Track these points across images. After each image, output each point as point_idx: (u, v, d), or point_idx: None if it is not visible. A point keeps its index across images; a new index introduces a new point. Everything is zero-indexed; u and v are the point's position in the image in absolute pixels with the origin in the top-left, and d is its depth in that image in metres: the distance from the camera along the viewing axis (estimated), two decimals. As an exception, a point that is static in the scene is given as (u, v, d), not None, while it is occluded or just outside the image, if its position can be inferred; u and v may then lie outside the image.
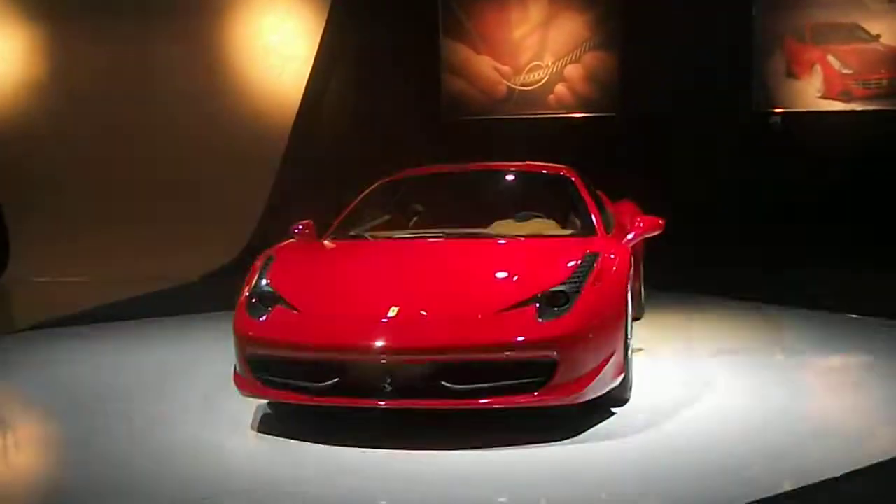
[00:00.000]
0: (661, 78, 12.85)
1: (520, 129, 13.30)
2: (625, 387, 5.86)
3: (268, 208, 12.92)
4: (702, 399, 6.15)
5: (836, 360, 7.39)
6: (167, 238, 12.54)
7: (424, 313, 5.41)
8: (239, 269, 11.72)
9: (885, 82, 12.94)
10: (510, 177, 7.66)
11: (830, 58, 13.07)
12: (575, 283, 5.49)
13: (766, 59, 13.20)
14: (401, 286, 5.69)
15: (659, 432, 5.48)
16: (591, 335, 5.34)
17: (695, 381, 6.58)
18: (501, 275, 5.78)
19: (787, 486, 4.61)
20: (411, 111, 13.18)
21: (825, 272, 10.69)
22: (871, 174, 12.36)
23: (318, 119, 13.38)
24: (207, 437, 5.65)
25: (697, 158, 12.87)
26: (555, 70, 13.62)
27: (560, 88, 13.65)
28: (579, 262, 5.66)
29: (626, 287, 5.79)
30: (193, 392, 6.56)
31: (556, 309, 5.36)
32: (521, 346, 5.20)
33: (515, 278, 5.66)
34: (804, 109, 13.14)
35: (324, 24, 13.28)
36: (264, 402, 5.99)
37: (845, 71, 13.05)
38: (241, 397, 5.83)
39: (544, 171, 7.49)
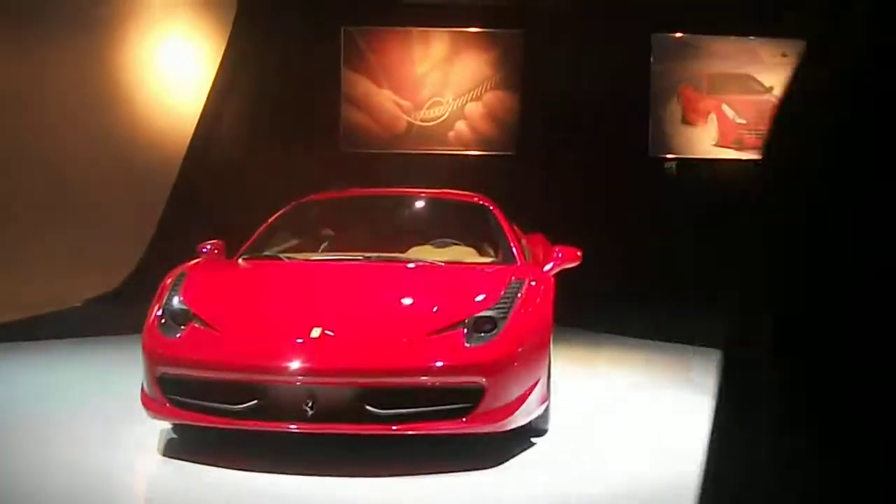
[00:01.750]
0: (559, 119, 12.91)
1: (419, 164, 13.18)
2: (545, 417, 5.75)
3: (158, 234, 12.51)
4: (617, 431, 6.10)
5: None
6: (48, 262, 12.00)
7: (347, 335, 5.22)
8: (125, 294, 11.57)
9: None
10: (426, 203, 7.54)
11: (725, 107, 13.33)
12: (502, 308, 5.38)
13: (662, 105, 13.39)
14: (323, 307, 5.50)
15: (581, 462, 5.42)
16: (518, 362, 5.23)
17: (608, 413, 6.54)
18: (426, 298, 5.63)
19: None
20: (310, 141, 12.95)
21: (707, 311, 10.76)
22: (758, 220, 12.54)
23: (213, 145, 13.06)
24: (113, 461, 5.35)
25: (593, 200, 12.93)
26: (455, 107, 13.57)
27: (460, 126, 13.60)
28: (505, 288, 5.56)
29: (551, 315, 5.70)
30: (92, 416, 6.22)
31: (483, 334, 5.24)
32: (448, 371, 5.06)
33: (441, 302, 5.51)
34: (699, 157, 13.33)
35: (224, 47, 13.00)
36: (168, 426, 5.70)
37: (739, 120, 13.31)
38: (144, 421, 5.56)
39: (461, 199, 7.38)
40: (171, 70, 12.94)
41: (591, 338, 9.39)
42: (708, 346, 9.04)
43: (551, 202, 12.64)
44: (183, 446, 5.53)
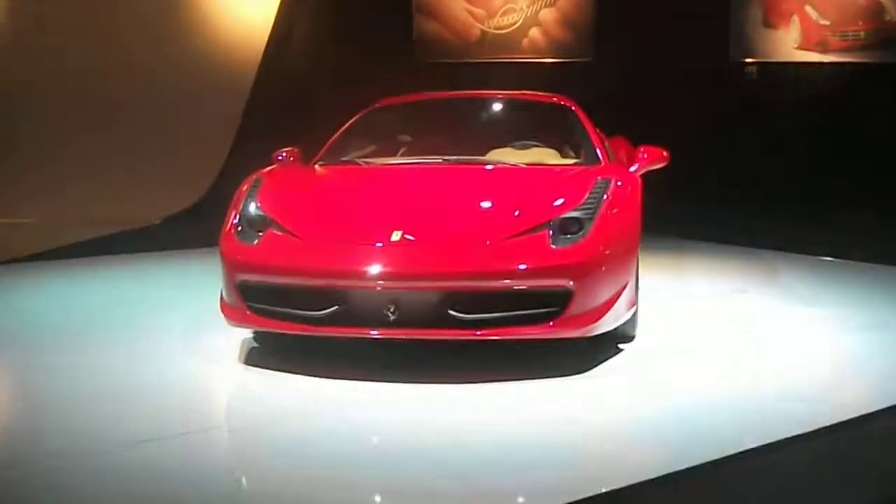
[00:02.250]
0: (636, 24, 12.52)
1: (493, 72, 12.93)
2: (633, 322, 5.56)
3: (233, 149, 12.44)
4: (706, 338, 5.92)
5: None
6: (126, 179, 12.02)
7: (429, 238, 5.06)
8: (203, 209, 11.55)
9: (862, 34, 12.66)
10: (505, 105, 7.27)
11: (808, 8, 12.78)
12: (589, 209, 5.16)
13: (743, 7, 12.89)
14: (403, 211, 5.32)
15: (669, 370, 5.25)
16: (606, 264, 5.03)
17: (695, 320, 6.36)
18: (509, 200, 5.39)
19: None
20: (382, 52, 12.74)
21: (803, 216, 10.51)
22: (845, 125, 12.14)
23: (284, 60, 12.90)
24: (192, 370, 5.31)
25: (673, 107, 12.57)
26: (529, 13, 13.21)
27: (534, 32, 13.25)
28: (591, 188, 5.33)
29: (640, 216, 5.48)
30: (172, 326, 6.17)
31: (569, 236, 5.04)
32: (534, 273, 4.87)
33: (525, 204, 5.28)
34: (781, 60, 12.86)
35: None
36: (249, 335, 5.63)
37: (823, 22, 12.76)
38: (225, 331, 5.49)
39: (542, 100, 7.13)
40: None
41: (673, 242, 9.15)
42: (792, 252, 8.81)
43: (629, 109, 12.29)
44: (263, 354, 5.45)
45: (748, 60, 12.90)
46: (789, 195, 11.37)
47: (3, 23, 12.56)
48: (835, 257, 8.66)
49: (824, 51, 12.60)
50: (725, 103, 12.69)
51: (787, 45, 12.75)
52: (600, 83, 12.36)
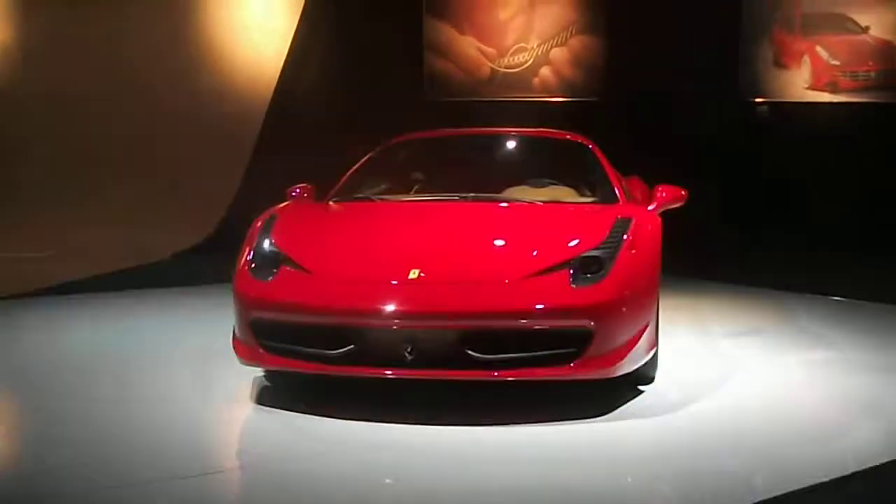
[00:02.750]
0: (646, 63, 12.48)
1: (503, 111, 12.88)
2: (653, 363, 5.45)
3: (243, 186, 12.40)
4: (725, 380, 5.82)
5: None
6: (136, 215, 11.99)
7: (447, 276, 4.97)
8: (212, 247, 11.50)
9: (872, 75, 12.64)
10: (521, 143, 7.20)
11: (819, 49, 12.76)
12: (609, 248, 5.07)
13: (753, 47, 12.87)
14: (421, 248, 5.23)
15: (690, 413, 5.14)
16: (627, 304, 4.93)
17: (714, 362, 6.28)
18: (528, 238, 5.31)
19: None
20: (393, 90, 12.74)
21: (818, 257, 10.44)
22: (856, 163, 12.09)
23: (297, 96, 12.89)
24: (206, 411, 5.21)
25: (682, 145, 12.53)
26: (540, 53, 13.22)
27: (545, 72, 13.25)
28: (611, 227, 5.25)
29: (659, 255, 5.39)
30: (183, 365, 6.08)
31: (590, 275, 4.95)
32: (554, 313, 4.77)
33: (544, 242, 5.20)
34: (791, 100, 12.83)
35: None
36: (261, 373, 5.53)
37: (833, 62, 12.74)
38: (237, 370, 5.39)
39: (558, 138, 7.07)
40: (254, 20, 12.79)
41: (689, 283, 9.04)
42: (810, 293, 8.72)
43: (640, 148, 12.25)
44: (276, 394, 5.35)
45: (759, 100, 12.86)
46: (802, 235, 11.32)
47: (12, 55, 12.57)
48: (849, 298, 8.56)
49: (834, 91, 12.60)
50: (737, 142, 12.67)
51: (798, 84, 12.74)
52: (611, 122, 12.33)
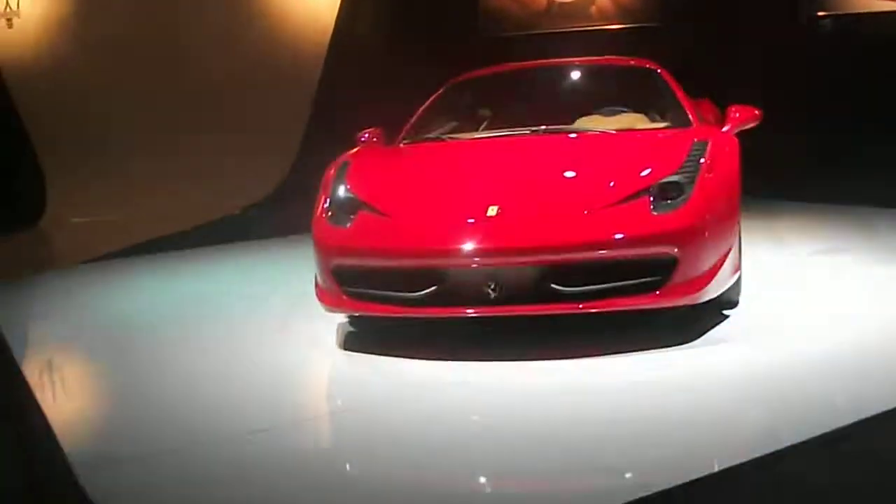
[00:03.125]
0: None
1: (562, 43, 12.69)
2: (737, 288, 5.38)
3: (307, 134, 12.42)
4: (810, 301, 5.72)
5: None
6: (203, 172, 12.07)
7: (526, 211, 4.92)
8: (281, 199, 11.56)
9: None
10: (588, 72, 7.09)
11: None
12: (688, 173, 4.97)
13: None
14: (496, 184, 5.18)
15: (776, 336, 5.04)
16: (709, 229, 4.85)
17: (797, 282, 6.16)
18: (604, 168, 5.23)
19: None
20: (449, 27, 12.62)
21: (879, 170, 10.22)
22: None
23: (353, 40, 12.81)
24: (291, 357, 5.24)
25: (749, 66, 12.30)
26: (596, -20, 12.99)
27: (601, -1, 13.03)
28: (688, 151, 5.14)
29: (739, 177, 5.29)
30: (268, 315, 6.15)
31: (670, 201, 4.86)
32: (636, 242, 4.70)
33: (621, 171, 5.11)
34: (856, 11, 12.50)
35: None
36: (345, 319, 5.55)
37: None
38: (321, 317, 5.40)
39: (625, 65, 6.95)
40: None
41: (764, 204, 8.90)
42: (887, 207, 8.56)
43: (704, 71, 12.06)
44: (362, 339, 5.37)
45: (821, 14, 12.56)
46: (877, 150, 11.08)
47: (75, 27, 12.66)
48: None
49: (904, -3, 12.24)
50: (802, 60, 12.39)
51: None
52: (672, 47, 12.11)
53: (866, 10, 12.41)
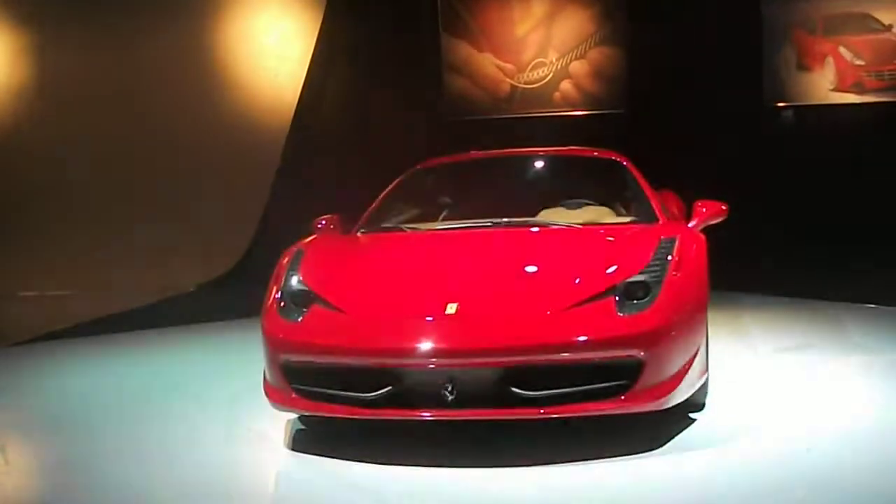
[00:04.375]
0: (668, 73, 12.27)
1: (525, 127, 12.70)
2: (703, 390, 5.19)
3: (266, 214, 12.24)
4: (779, 402, 5.53)
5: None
6: (158, 249, 11.87)
7: (486, 310, 4.71)
8: (237, 277, 11.33)
9: (898, 73, 12.41)
10: (553, 162, 6.96)
11: (842, 49, 12.52)
12: (655, 272, 4.81)
13: (775, 51, 12.63)
14: (456, 280, 4.98)
15: (747, 441, 4.84)
16: (677, 330, 4.67)
17: (765, 381, 5.98)
18: (568, 265, 5.05)
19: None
20: (412, 111, 12.56)
21: (850, 262, 10.16)
22: (886, 166, 11.82)
23: (315, 121, 12.73)
24: (236, 456, 4.98)
25: (709, 154, 12.29)
26: (559, 67, 13.00)
27: (565, 85, 13.03)
28: (655, 248, 4.98)
29: (706, 275, 5.12)
30: (212, 408, 5.86)
31: (636, 302, 4.69)
32: (601, 344, 4.50)
33: (586, 268, 4.94)
34: (817, 102, 12.58)
35: (319, 23, 12.65)
36: (294, 417, 5.29)
37: (858, 62, 12.50)
38: (269, 412, 5.14)
39: (591, 156, 6.82)
40: (269, 47, 12.68)
41: (727, 296, 8.75)
42: (852, 301, 8.45)
43: (665, 159, 12.00)
44: (311, 439, 5.10)
45: (782, 105, 12.62)
46: (835, 241, 11.05)
47: (34, 95, 12.49)
48: (879, 305, 8.34)
49: (860, 92, 12.38)
50: (763, 149, 12.41)
51: (823, 87, 12.54)
52: (635, 134, 12.09)
53: (825, 102, 12.51)
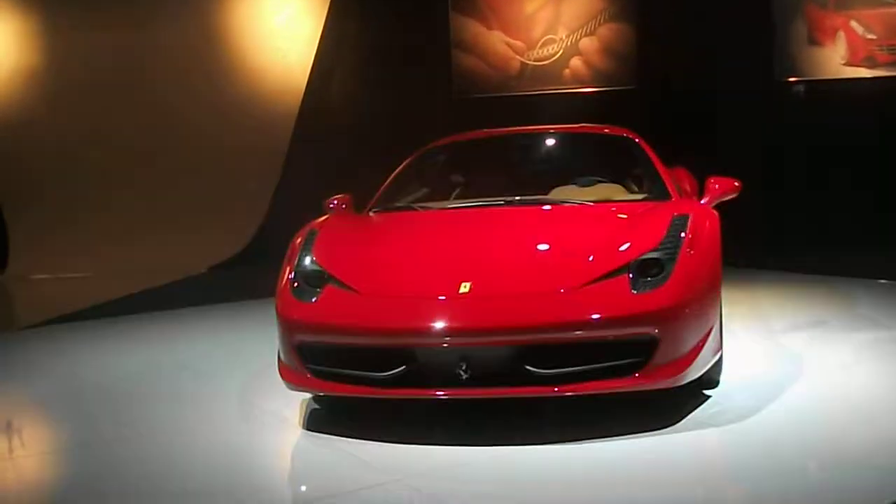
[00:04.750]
0: (679, 49, 12.20)
1: (535, 105, 12.67)
2: (718, 367, 5.18)
3: (276, 195, 12.24)
4: (794, 378, 5.50)
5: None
6: (171, 231, 11.90)
7: (500, 288, 4.71)
8: (249, 259, 11.35)
9: (911, 47, 12.31)
10: (565, 140, 6.94)
11: (853, 23, 12.42)
12: (668, 249, 4.79)
13: (787, 26, 12.54)
14: (469, 259, 4.97)
15: (761, 417, 4.82)
16: (691, 307, 4.65)
17: (780, 358, 5.96)
18: (582, 243, 5.03)
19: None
20: (422, 90, 12.53)
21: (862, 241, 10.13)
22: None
23: (325, 102, 12.70)
24: (252, 437, 4.99)
25: (720, 130, 12.25)
26: (569, 43, 12.93)
27: (575, 62, 12.97)
28: (668, 226, 4.96)
29: (720, 252, 5.11)
30: (227, 389, 5.87)
31: (650, 279, 4.67)
32: (615, 322, 4.50)
33: (599, 246, 4.92)
34: (828, 77, 12.50)
35: (329, 3, 12.59)
36: (309, 397, 5.30)
37: (869, 36, 12.40)
38: (284, 393, 5.15)
39: (602, 133, 6.80)
40: (278, 27, 12.60)
41: (739, 274, 8.74)
42: (864, 277, 8.43)
43: (677, 135, 11.97)
44: (326, 418, 5.11)
45: (793, 79, 12.54)
46: (850, 216, 11.01)
47: (45, 79, 12.48)
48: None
49: (872, 66, 12.27)
50: (775, 124, 12.36)
51: (835, 61, 12.43)
52: (645, 110, 12.06)
53: (837, 77, 12.43)
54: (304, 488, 4.45)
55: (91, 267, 11.50)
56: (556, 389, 4.51)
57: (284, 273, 5.15)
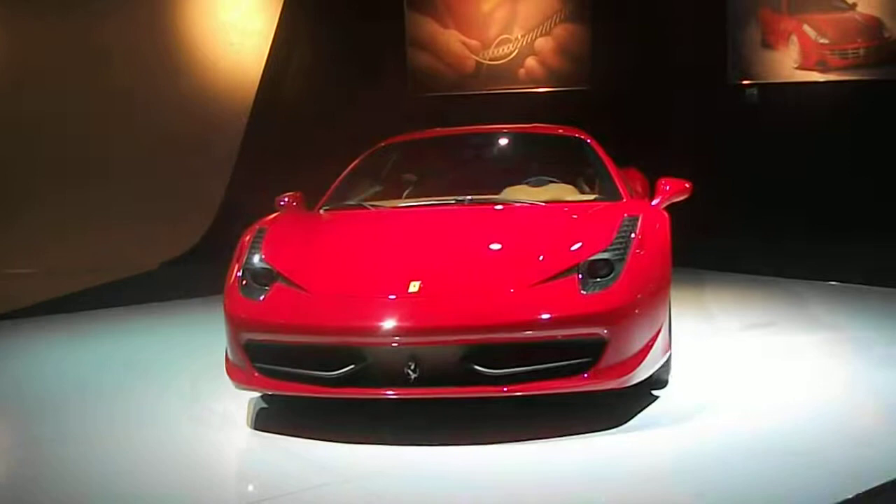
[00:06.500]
0: (633, 50, 12.27)
1: (490, 104, 12.66)
2: (667, 367, 5.20)
3: (229, 191, 12.13)
4: (743, 379, 5.55)
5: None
6: (122, 225, 11.72)
7: (449, 288, 4.70)
8: (200, 255, 11.23)
9: (861, 52, 12.42)
10: (517, 140, 6.94)
11: (806, 27, 12.52)
12: (618, 250, 4.80)
13: (741, 29, 12.63)
14: (419, 259, 4.95)
15: (710, 416, 4.87)
16: (640, 308, 4.67)
17: (728, 359, 6.01)
18: (532, 243, 5.03)
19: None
20: (377, 87, 12.48)
21: (812, 240, 10.21)
22: (849, 143, 11.88)
23: (279, 98, 12.61)
24: (199, 436, 4.93)
25: (673, 132, 12.32)
26: (524, 43, 12.96)
27: (530, 62, 13.00)
28: (619, 226, 4.98)
29: (669, 253, 5.12)
30: (175, 388, 5.81)
31: (599, 280, 4.68)
32: (564, 322, 4.50)
33: (549, 246, 4.92)
34: (781, 80, 12.60)
35: (284, -4, 12.52)
36: (257, 396, 5.25)
37: (822, 41, 12.51)
38: (231, 393, 5.11)
39: (554, 133, 6.80)
40: (233, 21, 12.49)
41: (689, 274, 8.77)
42: (815, 279, 8.50)
43: (629, 136, 12.02)
44: (274, 418, 5.07)
45: (746, 82, 12.64)
46: (797, 218, 11.10)
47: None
48: (843, 282, 8.43)
49: (824, 70, 12.37)
50: (727, 127, 12.44)
51: (787, 65, 12.52)
52: (599, 111, 12.09)
53: (789, 80, 12.53)
54: (250, 488, 4.41)
55: (37, 264, 11.32)
56: (505, 390, 4.50)
57: (232, 271, 5.11)
